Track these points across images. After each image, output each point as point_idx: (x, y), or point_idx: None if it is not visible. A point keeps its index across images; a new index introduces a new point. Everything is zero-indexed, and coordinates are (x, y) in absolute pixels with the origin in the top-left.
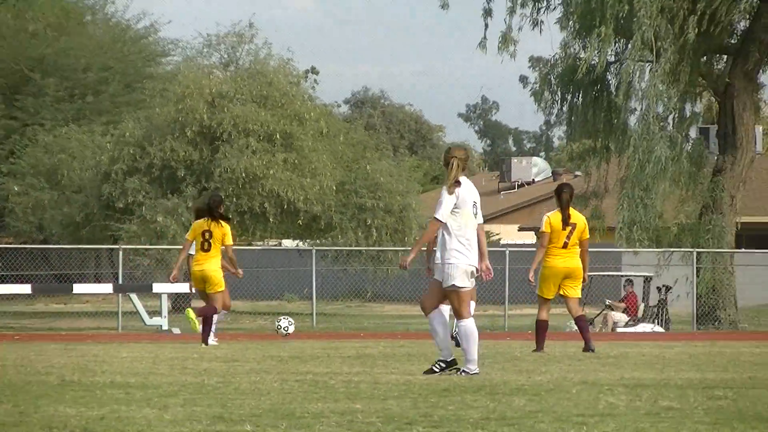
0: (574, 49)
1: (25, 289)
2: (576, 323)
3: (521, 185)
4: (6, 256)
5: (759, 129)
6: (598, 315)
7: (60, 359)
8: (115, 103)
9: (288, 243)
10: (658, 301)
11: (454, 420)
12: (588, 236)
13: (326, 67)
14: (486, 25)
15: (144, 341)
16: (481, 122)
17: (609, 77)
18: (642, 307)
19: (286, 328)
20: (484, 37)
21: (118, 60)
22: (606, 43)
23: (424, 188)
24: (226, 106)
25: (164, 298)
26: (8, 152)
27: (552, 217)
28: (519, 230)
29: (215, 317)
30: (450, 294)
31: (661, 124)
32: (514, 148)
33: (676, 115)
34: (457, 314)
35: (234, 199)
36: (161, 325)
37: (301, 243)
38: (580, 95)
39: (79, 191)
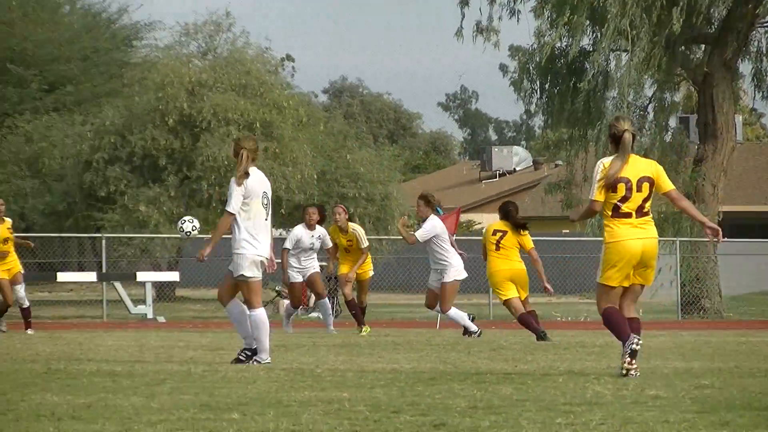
0: (551, 37)
1: None
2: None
3: (502, 174)
4: None
5: (739, 118)
6: None
7: (45, 347)
8: (95, 93)
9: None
10: None
11: (441, 408)
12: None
13: (303, 56)
14: (462, 15)
15: (129, 329)
16: (461, 111)
17: (587, 66)
18: None
19: (189, 232)
20: (461, 27)
21: (94, 50)
22: (578, 31)
23: (405, 177)
24: (205, 95)
25: (149, 286)
26: None
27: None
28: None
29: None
30: (240, 284)
31: (642, 113)
32: (495, 137)
33: (656, 104)
34: (248, 304)
35: (217, 188)
36: (146, 314)
37: (284, 232)
38: (558, 84)
39: (61, 180)
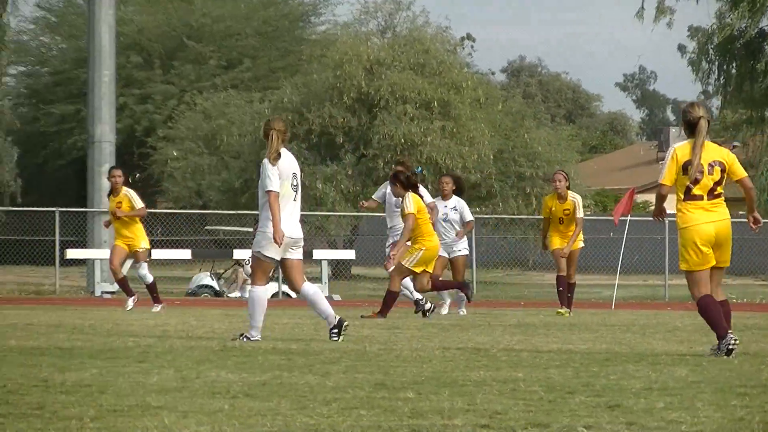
0: (731, 18)
1: (185, 254)
2: None
3: None
4: (165, 221)
5: None
6: None
7: (221, 325)
8: (272, 69)
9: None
10: None
11: (616, 389)
12: None
13: (482, 35)
14: None
15: (305, 307)
16: (639, 92)
17: (765, 47)
18: None
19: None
20: (642, 7)
21: (271, 25)
22: (759, 13)
23: (582, 157)
24: (383, 73)
25: (324, 264)
26: (166, 117)
27: None
28: None
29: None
30: (253, 258)
31: None
32: (672, 118)
33: None
34: (252, 277)
35: (393, 165)
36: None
37: None
38: (736, 65)
39: (237, 157)
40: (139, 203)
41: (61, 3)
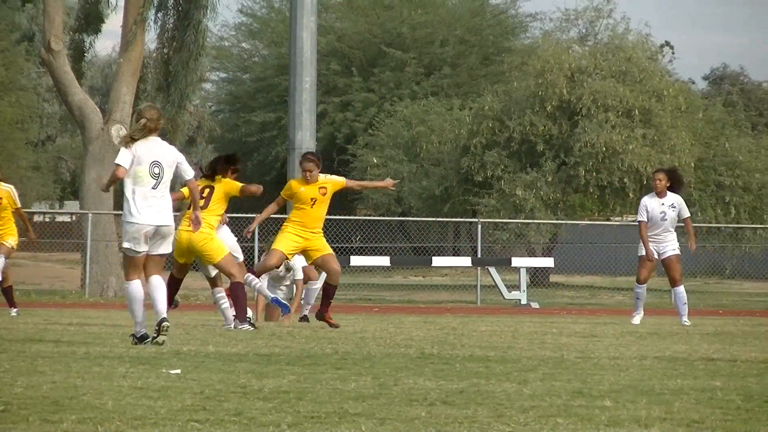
0: None
1: (384, 261)
2: None
3: None
4: (365, 228)
5: None
6: None
7: (419, 332)
8: (472, 77)
9: None
10: None
11: None
12: None
13: (681, 42)
14: None
15: (503, 315)
16: None
17: None
18: None
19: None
20: None
21: (474, 33)
22: None
23: None
24: (585, 81)
25: (523, 272)
26: (366, 125)
27: None
28: None
29: None
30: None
31: None
32: None
33: None
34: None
35: (594, 173)
36: (520, 299)
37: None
38: None
39: (438, 164)
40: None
41: (264, 9)
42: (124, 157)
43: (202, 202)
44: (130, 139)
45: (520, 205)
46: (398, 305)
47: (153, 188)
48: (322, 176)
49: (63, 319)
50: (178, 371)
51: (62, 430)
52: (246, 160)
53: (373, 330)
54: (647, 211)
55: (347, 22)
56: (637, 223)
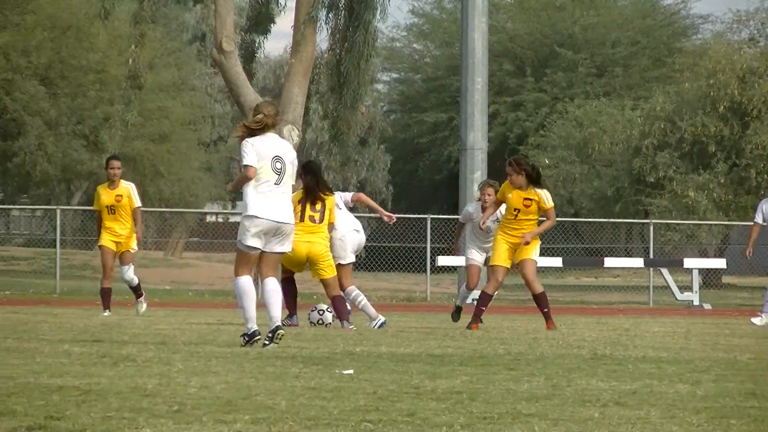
0: None
1: (556, 262)
2: None
3: None
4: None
5: None
6: None
7: (591, 333)
8: (644, 78)
9: None
10: None
11: None
12: None
13: None
14: None
15: (675, 316)
16: None
17: None
18: None
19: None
20: None
21: (646, 35)
22: None
23: None
24: (756, 83)
25: (695, 273)
26: (538, 125)
27: None
28: None
29: None
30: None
31: None
32: None
33: None
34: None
35: (765, 175)
36: (692, 301)
37: None
38: None
39: (610, 165)
40: (137, 201)
41: (435, 10)
42: (251, 156)
43: (317, 216)
44: (246, 132)
45: (692, 206)
46: (571, 306)
47: (276, 183)
48: None
49: (237, 319)
50: (351, 372)
51: (235, 431)
52: (418, 161)
53: (545, 331)
54: None
55: (519, 23)
56: None
